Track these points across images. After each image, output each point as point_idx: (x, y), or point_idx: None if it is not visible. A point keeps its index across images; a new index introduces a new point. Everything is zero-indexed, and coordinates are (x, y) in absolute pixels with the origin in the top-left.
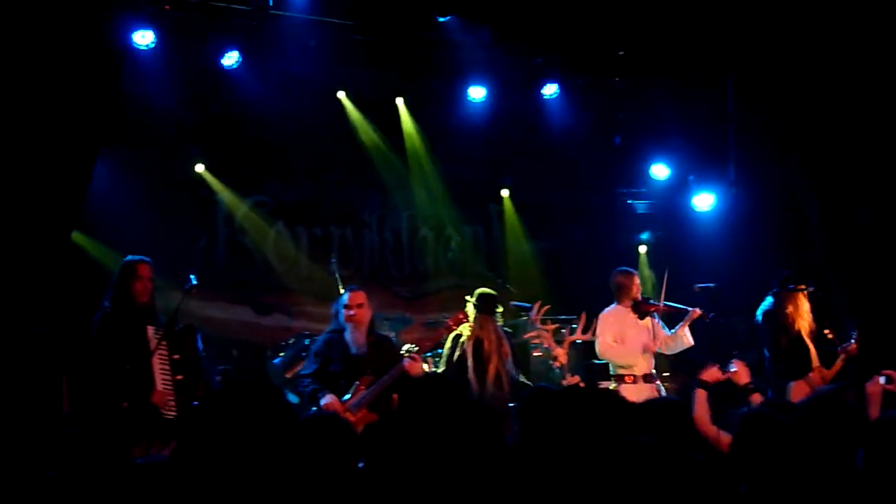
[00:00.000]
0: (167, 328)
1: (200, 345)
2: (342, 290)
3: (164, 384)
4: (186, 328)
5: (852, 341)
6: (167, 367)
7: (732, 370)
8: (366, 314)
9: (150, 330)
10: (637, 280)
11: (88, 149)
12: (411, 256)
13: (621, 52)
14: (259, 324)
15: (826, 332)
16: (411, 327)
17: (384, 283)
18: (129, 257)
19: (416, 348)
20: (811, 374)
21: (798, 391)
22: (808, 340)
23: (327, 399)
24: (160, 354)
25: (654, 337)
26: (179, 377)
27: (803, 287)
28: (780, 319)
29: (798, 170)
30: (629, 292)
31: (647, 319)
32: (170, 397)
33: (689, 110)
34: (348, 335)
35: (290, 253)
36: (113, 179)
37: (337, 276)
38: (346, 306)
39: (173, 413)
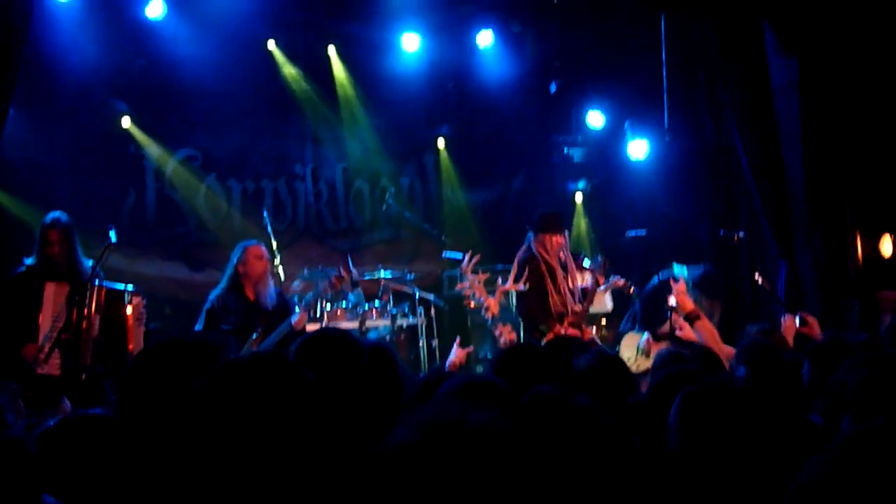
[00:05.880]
0: (76, 286)
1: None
2: (275, 244)
3: (47, 340)
4: (98, 289)
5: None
6: (58, 325)
7: (673, 303)
8: None
9: (49, 286)
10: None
11: None
12: (347, 209)
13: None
14: (192, 280)
15: (757, 276)
16: None
17: (319, 236)
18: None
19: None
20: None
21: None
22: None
23: None
24: (55, 311)
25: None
26: (64, 336)
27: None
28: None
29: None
30: None
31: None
32: (45, 353)
33: (624, 58)
34: (259, 289)
35: (222, 208)
36: (37, 138)
37: (270, 230)
38: (259, 258)
39: (48, 370)
